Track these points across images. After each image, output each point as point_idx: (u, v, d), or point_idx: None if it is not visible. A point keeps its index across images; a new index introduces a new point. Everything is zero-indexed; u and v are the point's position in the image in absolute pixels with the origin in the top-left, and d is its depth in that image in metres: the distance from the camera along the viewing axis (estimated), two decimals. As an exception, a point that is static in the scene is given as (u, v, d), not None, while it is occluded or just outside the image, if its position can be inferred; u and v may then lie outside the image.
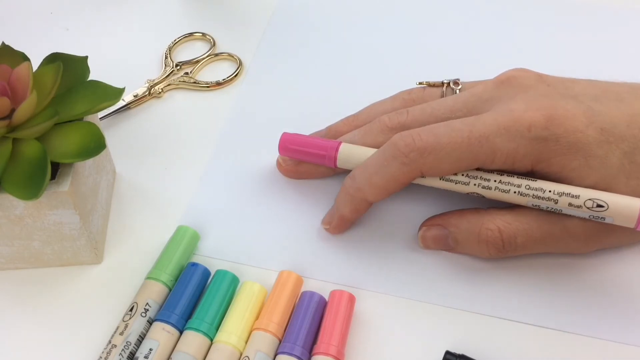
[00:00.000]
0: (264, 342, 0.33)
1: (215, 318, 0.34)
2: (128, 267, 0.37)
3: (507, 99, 0.35)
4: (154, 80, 0.47)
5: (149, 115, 0.45)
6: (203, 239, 0.38)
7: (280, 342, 0.33)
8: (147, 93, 0.46)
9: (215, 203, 0.40)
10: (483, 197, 0.35)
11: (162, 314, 0.33)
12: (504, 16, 0.51)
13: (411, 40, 0.49)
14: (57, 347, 0.34)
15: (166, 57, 0.48)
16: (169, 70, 0.47)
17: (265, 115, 0.45)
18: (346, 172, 0.38)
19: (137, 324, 0.33)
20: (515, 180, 0.34)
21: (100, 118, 0.43)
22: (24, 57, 0.35)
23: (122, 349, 0.32)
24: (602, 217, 0.33)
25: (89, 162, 0.35)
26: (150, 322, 0.34)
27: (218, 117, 0.45)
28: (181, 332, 0.33)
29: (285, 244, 0.38)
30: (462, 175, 0.35)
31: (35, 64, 0.35)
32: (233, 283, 0.35)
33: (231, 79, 0.47)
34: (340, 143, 0.38)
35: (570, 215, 0.34)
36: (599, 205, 0.32)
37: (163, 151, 0.43)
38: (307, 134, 0.41)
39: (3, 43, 0.36)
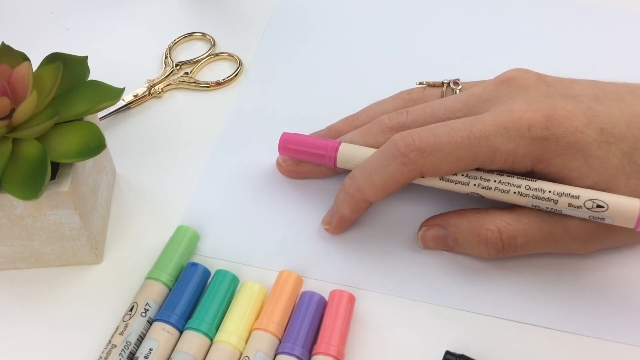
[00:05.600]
0: (264, 342, 0.33)
1: (215, 318, 0.34)
2: (128, 267, 0.37)
3: (507, 99, 0.35)
4: (154, 80, 0.47)
5: (149, 115, 0.45)
6: (203, 239, 0.38)
7: (280, 342, 0.33)
8: (147, 93, 0.46)
9: (215, 203, 0.40)
10: (483, 197, 0.35)
11: (162, 314, 0.33)
12: (504, 16, 0.51)
13: (411, 40, 0.49)
14: (57, 347, 0.34)
15: (166, 57, 0.48)
16: (169, 70, 0.47)
17: (265, 115, 0.45)
18: (346, 172, 0.38)
19: (137, 324, 0.33)
20: (515, 180, 0.34)
21: (100, 118, 0.43)
22: (24, 57, 0.35)
23: (122, 349, 0.32)
24: (602, 218, 0.33)
25: (89, 162, 0.35)
26: (150, 322, 0.34)
27: (218, 117, 0.45)
28: (181, 332, 0.33)
29: (285, 244, 0.38)
30: (462, 175, 0.35)
31: (35, 64, 0.35)
32: (233, 283, 0.35)
33: (231, 79, 0.47)
34: (340, 143, 0.38)
35: (570, 216, 0.34)
36: (598, 206, 0.32)
37: (163, 151, 0.43)
38: (307, 134, 0.41)
39: (3, 43, 0.36)
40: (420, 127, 0.35)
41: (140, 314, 0.33)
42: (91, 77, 0.36)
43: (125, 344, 0.32)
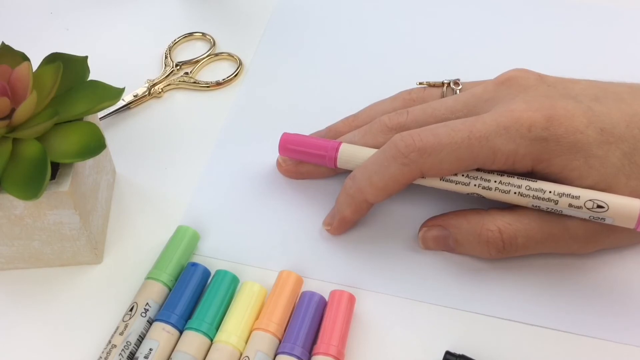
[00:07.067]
0: (264, 342, 0.33)
1: (215, 318, 0.34)
2: (128, 267, 0.37)
3: (508, 99, 0.35)
4: (154, 80, 0.47)
5: (149, 115, 0.45)
6: (203, 239, 0.38)
7: (280, 342, 0.33)
8: (147, 93, 0.46)
9: (215, 203, 0.40)
10: (483, 197, 0.35)
11: (162, 314, 0.33)
12: (504, 16, 0.51)
13: (411, 40, 0.49)
14: (57, 347, 0.34)
15: (166, 57, 0.48)
16: (169, 70, 0.47)
17: (265, 115, 0.45)
18: (347, 172, 0.38)
19: (137, 324, 0.33)
20: (516, 180, 0.34)
21: (100, 118, 0.43)
22: (24, 57, 0.35)
23: (122, 349, 0.32)
24: (602, 218, 0.33)
25: (89, 162, 0.35)
26: (150, 322, 0.34)
27: (218, 117, 0.45)
28: (181, 332, 0.33)
29: (285, 244, 0.38)
30: (462, 175, 0.35)
31: (35, 64, 0.35)
32: (233, 283, 0.35)
33: (231, 79, 0.47)
34: (340, 143, 0.38)
35: (570, 216, 0.34)
36: (599, 206, 0.32)
37: (163, 151, 0.43)
38: (307, 134, 0.41)
39: (3, 43, 0.36)
40: (421, 127, 0.35)
41: (140, 314, 0.33)
42: (91, 77, 0.36)
43: (125, 344, 0.32)
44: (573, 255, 0.36)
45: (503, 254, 0.35)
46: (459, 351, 0.33)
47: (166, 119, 0.45)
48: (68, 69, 0.35)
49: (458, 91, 0.40)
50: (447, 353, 0.33)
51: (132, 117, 0.45)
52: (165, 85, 0.47)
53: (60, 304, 0.36)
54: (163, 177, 0.41)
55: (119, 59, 0.48)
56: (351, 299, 0.34)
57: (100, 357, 0.32)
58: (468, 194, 0.35)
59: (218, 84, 0.47)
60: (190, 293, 0.34)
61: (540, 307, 0.35)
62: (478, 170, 0.35)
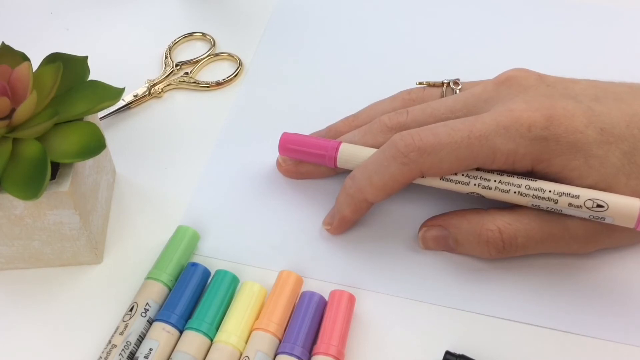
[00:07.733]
0: (264, 342, 0.33)
1: (215, 318, 0.34)
2: (128, 267, 0.37)
3: (507, 99, 0.35)
4: (154, 80, 0.47)
5: (149, 115, 0.45)
6: (203, 239, 0.38)
7: (280, 342, 0.33)
8: (147, 93, 0.46)
9: (215, 203, 0.40)
10: (483, 197, 0.35)
11: (162, 314, 0.33)
12: (504, 16, 0.51)
13: (411, 40, 0.49)
14: (57, 347, 0.34)
15: (166, 57, 0.48)
16: (169, 70, 0.47)
17: (265, 115, 0.45)
18: (346, 172, 0.38)
19: (137, 324, 0.33)
20: (515, 180, 0.34)
21: (100, 118, 0.43)
22: (24, 57, 0.35)
23: (122, 349, 0.32)
24: (602, 217, 0.33)
25: (89, 162, 0.35)
26: (150, 322, 0.34)
27: (218, 117, 0.45)
28: (181, 332, 0.33)
29: (285, 244, 0.38)
30: (462, 175, 0.35)
31: (35, 64, 0.35)
32: (233, 283, 0.35)
33: (231, 79, 0.47)
34: (340, 143, 0.38)
35: (570, 216, 0.34)
36: (598, 205, 0.32)
37: (163, 151, 0.43)
38: (307, 134, 0.41)
39: (3, 43, 0.36)
40: (420, 127, 0.35)
41: (140, 314, 0.33)
42: (91, 77, 0.36)
43: (125, 344, 0.32)
44: (573, 255, 0.36)
45: (503, 254, 0.35)
46: (459, 351, 0.33)
47: (166, 119, 0.45)
48: (68, 69, 0.35)
49: (458, 91, 0.40)
50: (447, 353, 0.33)
51: (132, 117, 0.45)
52: (165, 85, 0.47)
53: (60, 304, 0.36)
54: (163, 177, 0.41)
55: (119, 59, 0.48)
56: (351, 299, 0.34)
57: (100, 357, 0.32)
58: (468, 193, 0.35)
59: (218, 84, 0.47)
60: (190, 293, 0.34)
61: (540, 307, 0.35)
62: (478, 169, 0.35)
